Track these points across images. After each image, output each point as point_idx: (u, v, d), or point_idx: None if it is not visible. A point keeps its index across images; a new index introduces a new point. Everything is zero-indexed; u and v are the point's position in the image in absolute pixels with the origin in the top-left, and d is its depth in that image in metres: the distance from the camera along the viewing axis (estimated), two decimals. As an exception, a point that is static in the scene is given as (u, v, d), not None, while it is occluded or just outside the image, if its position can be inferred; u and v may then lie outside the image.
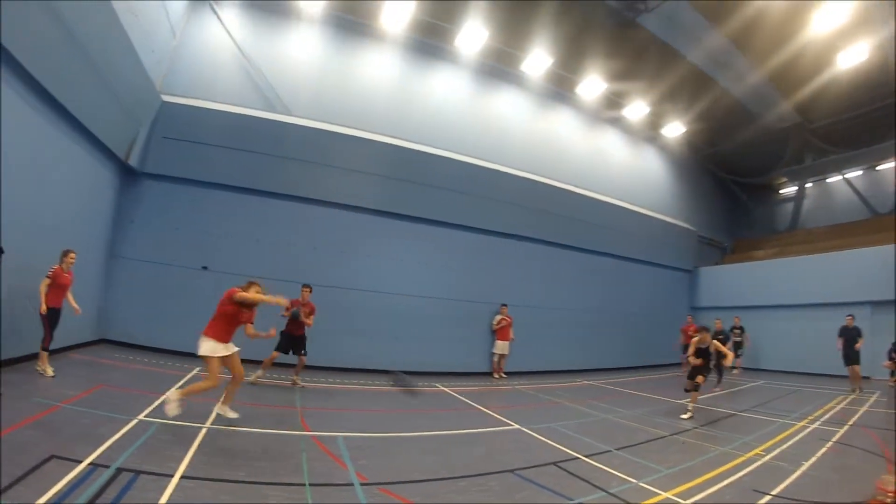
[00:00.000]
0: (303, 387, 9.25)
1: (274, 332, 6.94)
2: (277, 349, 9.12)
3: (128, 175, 11.35)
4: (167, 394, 5.38)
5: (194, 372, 9.15)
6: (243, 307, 5.94)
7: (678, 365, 16.59)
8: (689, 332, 15.26)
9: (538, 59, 14.65)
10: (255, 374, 8.86)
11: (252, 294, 5.92)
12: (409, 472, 5.04)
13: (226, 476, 4.45)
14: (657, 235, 17.60)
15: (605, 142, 17.71)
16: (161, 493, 3.83)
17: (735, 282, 17.94)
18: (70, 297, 7.53)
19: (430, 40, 14.49)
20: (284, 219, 12.17)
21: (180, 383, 7.94)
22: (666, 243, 17.89)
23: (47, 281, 7.13)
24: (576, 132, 16.96)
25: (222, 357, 5.92)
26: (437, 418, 7.97)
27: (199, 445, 5.17)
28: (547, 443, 6.54)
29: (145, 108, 11.09)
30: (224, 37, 12.80)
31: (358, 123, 12.98)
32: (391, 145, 12.99)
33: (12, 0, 6.18)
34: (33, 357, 7.48)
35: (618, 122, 17.83)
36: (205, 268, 11.37)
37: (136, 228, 11.28)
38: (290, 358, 9.34)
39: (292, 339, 9.21)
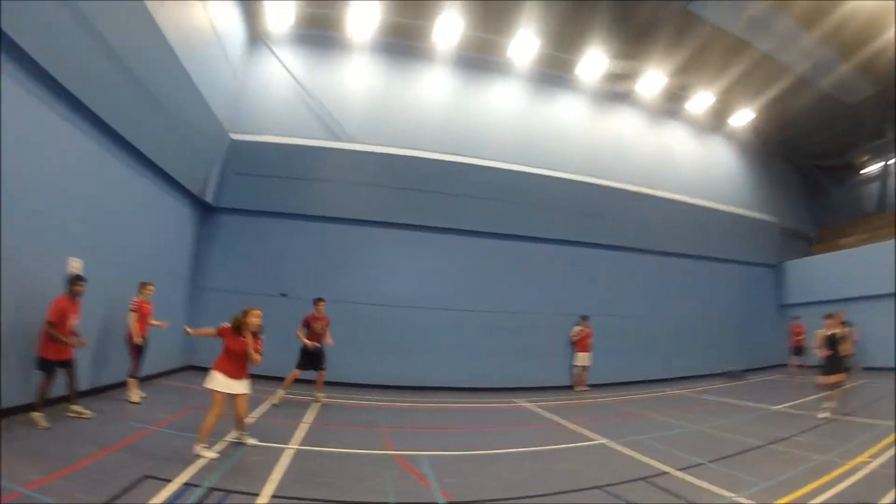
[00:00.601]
0: (325, 403, 9.00)
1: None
2: (298, 367, 8.95)
3: (205, 211, 11.95)
4: (195, 450, 5.31)
5: (277, 395, 9.23)
6: (232, 336, 5.68)
7: (768, 369, 15.38)
8: (798, 333, 14.21)
9: (594, 61, 14.22)
10: (278, 395, 8.67)
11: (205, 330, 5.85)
12: (494, 490, 4.79)
13: (312, 495, 4.38)
14: (735, 231, 16.30)
15: (671, 138, 16.77)
16: (252, 512, 3.74)
17: (826, 273, 16.31)
18: (152, 320, 7.85)
19: (481, 54, 14.42)
20: (356, 242, 12.34)
21: (258, 412, 7.99)
22: (745, 238, 16.52)
23: (135, 315, 7.45)
24: (638, 130, 16.20)
25: (225, 393, 5.54)
26: (518, 434, 7.62)
27: (286, 466, 5.13)
28: (634, 457, 6.08)
29: (216, 148, 11.66)
30: (282, 73, 13.32)
31: (418, 143, 13.04)
32: (450, 162, 12.90)
33: (96, 63, 6.73)
34: (120, 385, 7.81)
35: (681, 116, 16.93)
36: (284, 294, 11.60)
37: (215, 260, 11.80)
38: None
39: (311, 354, 9.04)
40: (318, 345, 8.76)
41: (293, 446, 5.94)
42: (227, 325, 5.72)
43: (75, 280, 6.17)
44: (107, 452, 4.91)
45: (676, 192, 15.34)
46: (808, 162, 20.03)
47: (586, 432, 7.55)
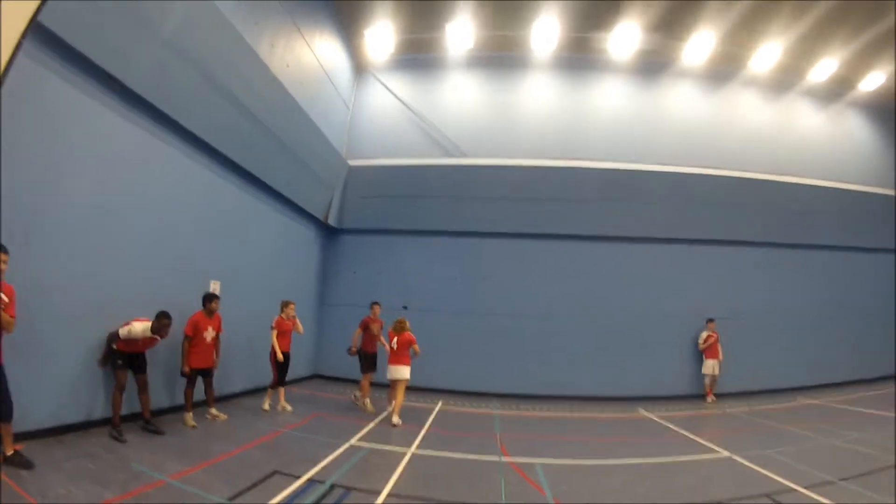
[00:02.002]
0: (372, 411, 8.65)
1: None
2: (365, 371, 9.01)
3: (329, 232, 12.97)
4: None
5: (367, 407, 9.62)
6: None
7: None
8: None
9: (700, 42, 13.02)
10: (366, 403, 8.83)
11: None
12: (609, 501, 4.62)
13: (427, 495, 4.54)
14: (873, 213, 13.62)
15: (793, 114, 14.50)
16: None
17: None
18: (297, 323, 8.49)
19: (582, 54, 13.95)
20: (473, 254, 12.61)
21: (379, 418, 8.35)
22: (885, 220, 13.68)
23: (275, 332, 8.16)
24: (756, 112, 14.33)
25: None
26: (639, 446, 7.15)
27: (404, 468, 5.33)
28: (760, 472, 5.47)
29: (335, 175, 12.63)
30: (390, 98, 14.03)
31: (527, 153, 12.93)
32: (562, 168, 12.61)
33: (227, 116, 7.75)
34: (255, 392, 8.64)
35: (804, 89, 14.58)
36: (405, 307, 12.11)
37: (340, 277, 12.73)
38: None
39: (372, 356, 9.07)
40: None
41: (411, 449, 6.13)
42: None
43: (209, 298, 6.97)
44: (241, 450, 5.47)
45: (802, 174, 13.41)
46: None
47: (711, 444, 6.92)
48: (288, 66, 9.75)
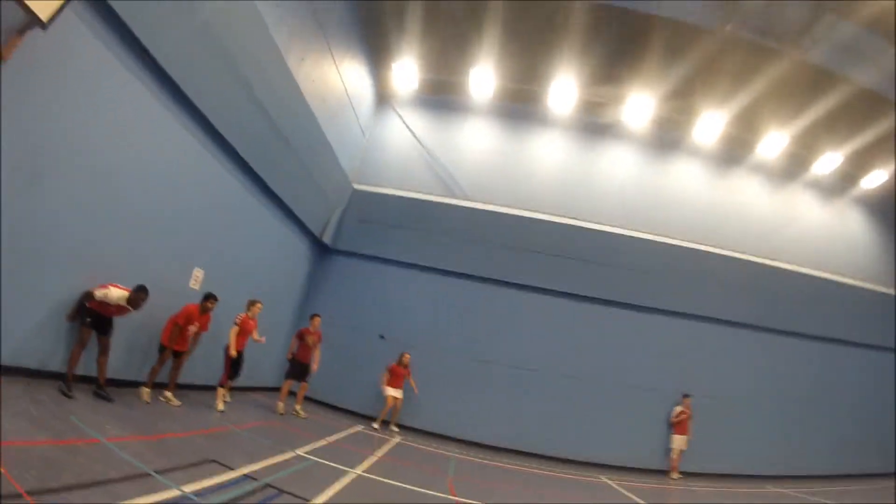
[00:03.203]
0: (306, 417, 9.05)
1: None
2: (288, 377, 9.18)
3: (321, 250, 13.03)
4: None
5: (356, 429, 9.46)
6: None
7: None
8: None
9: (711, 122, 13.50)
10: (279, 406, 8.89)
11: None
12: None
13: None
14: (864, 309, 13.62)
15: (795, 203, 14.80)
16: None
17: None
18: (255, 334, 8.30)
19: (597, 118, 14.44)
20: (458, 295, 12.63)
21: (338, 436, 8.21)
22: (876, 318, 13.56)
23: (236, 329, 8.02)
24: (759, 196, 14.74)
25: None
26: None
27: (344, 486, 5.18)
28: None
29: (339, 195, 12.87)
30: (405, 132, 14.47)
31: (530, 204, 13.25)
32: (561, 224, 12.93)
33: (243, 108, 8.03)
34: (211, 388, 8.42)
35: (808, 179, 14.97)
36: (382, 337, 12.10)
37: (324, 295, 12.68)
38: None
39: (301, 365, 9.16)
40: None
41: (357, 470, 5.99)
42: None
43: (210, 297, 7.10)
44: (185, 434, 5.37)
45: (798, 262, 13.60)
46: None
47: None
48: (314, 81, 10.12)
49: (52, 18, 4.28)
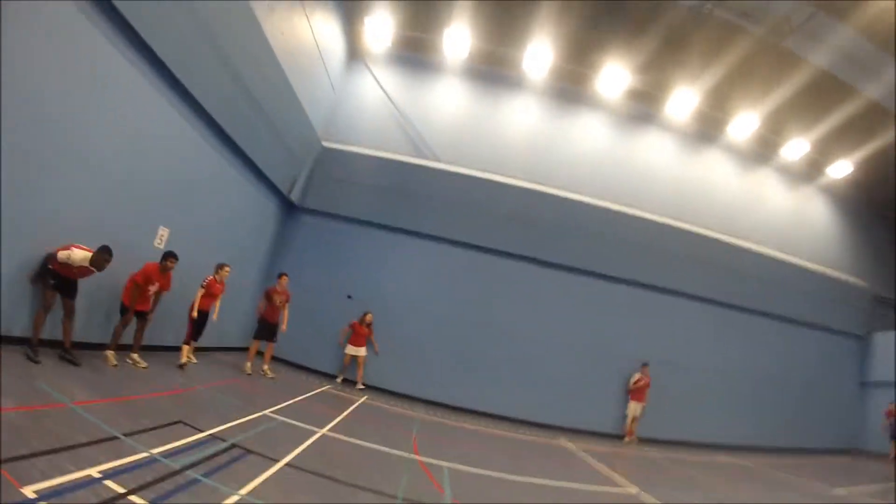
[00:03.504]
0: (273, 377, 9.18)
1: None
2: (256, 337, 9.26)
3: (289, 208, 12.86)
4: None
5: (324, 388, 9.64)
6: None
7: (843, 452, 13.81)
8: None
9: (683, 99, 13.74)
10: (246, 366, 8.97)
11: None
12: None
13: (325, 472, 4.54)
14: (822, 293, 14.62)
15: (762, 186, 15.46)
16: (264, 472, 4.01)
17: None
18: (216, 305, 8.36)
19: (570, 86, 14.46)
20: (428, 257, 12.74)
21: (304, 396, 8.36)
22: (831, 302, 14.73)
23: (202, 291, 8.02)
24: (729, 175, 15.21)
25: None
26: (550, 470, 7.37)
27: (310, 444, 5.36)
28: None
29: (307, 153, 12.58)
30: (377, 90, 14.18)
31: (500, 169, 13.30)
32: (530, 190, 13.04)
33: (209, 65, 7.67)
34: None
35: (775, 163, 15.58)
36: (349, 297, 12.17)
37: (291, 255, 12.58)
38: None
39: (269, 325, 9.26)
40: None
41: (323, 430, 6.16)
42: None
43: (169, 256, 6.91)
44: (152, 395, 5.41)
45: (762, 243, 14.26)
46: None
47: (621, 479, 7.21)
48: (283, 33, 9.73)
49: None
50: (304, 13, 10.57)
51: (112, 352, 6.37)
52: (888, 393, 13.29)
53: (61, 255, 5.37)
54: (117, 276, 6.52)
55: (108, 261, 5.74)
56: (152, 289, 6.77)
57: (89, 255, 5.54)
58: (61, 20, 5.22)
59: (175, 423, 4.60)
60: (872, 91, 12.21)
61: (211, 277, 8.09)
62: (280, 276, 9.59)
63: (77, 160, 5.84)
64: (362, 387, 11.01)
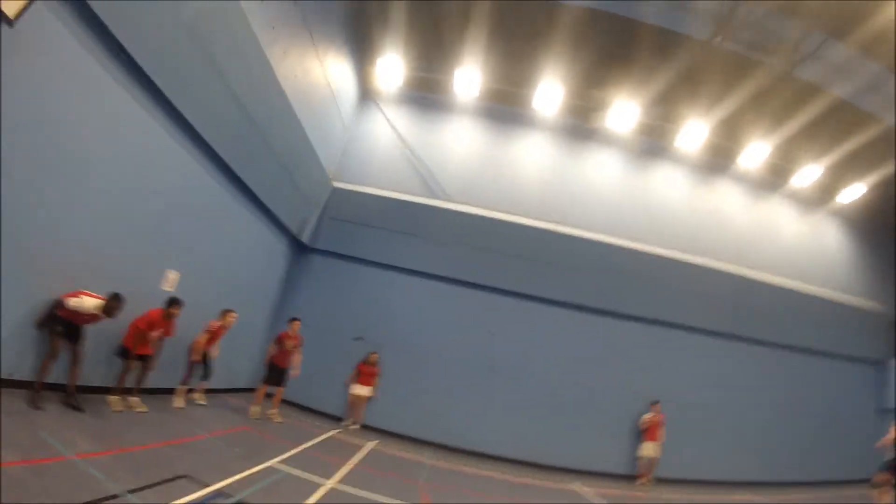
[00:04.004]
0: (280, 422, 8.94)
1: None
2: (265, 382, 9.02)
3: (299, 249, 12.82)
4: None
5: (331, 433, 9.39)
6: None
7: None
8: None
9: (694, 131, 13.70)
10: (252, 411, 8.70)
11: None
12: None
13: None
14: (836, 320, 14.17)
15: (774, 214, 15.25)
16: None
17: None
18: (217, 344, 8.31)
19: (581, 122, 14.47)
20: (439, 297, 12.62)
21: (312, 442, 8.14)
22: (848, 329, 14.25)
23: (206, 336, 7.99)
24: (740, 206, 15.01)
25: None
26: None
27: (317, 499, 5.13)
28: None
29: (318, 193, 12.66)
30: (388, 130, 14.32)
31: (511, 208, 13.30)
32: (541, 229, 13.00)
33: (220, 103, 7.76)
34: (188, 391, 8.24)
35: (787, 191, 15.37)
36: (359, 338, 11.97)
37: (302, 296, 12.49)
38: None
39: (279, 370, 9.04)
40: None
41: (330, 482, 5.94)
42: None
43: (174, 303, 6.82)
44: (157, 446, 5.23)
45: (774, 273, 13.99)
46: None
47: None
48: (296, 76, 9.93)
49: (19, 15, 4.17)
50: (316, 56, 10.79)
51: (116, 397, 6.23)
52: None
53: (72, 302, 5.29)
54: (122, 321, 6.41)
55: (120, 308, 5.67)
56: (154, 335, 6.64)
57: (101, 303, 5.47)
58: (68, 56, 5.22)
59: (180, 477, 4.42)
60: (882, 113, 12.19)
61: (217, 323, 8.05)
62: (292, 320, 9.37)
63: (84, 200, 5.80)
64: (358, 428, 10.76)
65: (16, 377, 5.21)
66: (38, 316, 5.29)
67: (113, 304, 5.56)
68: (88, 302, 5.35)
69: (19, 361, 5.24)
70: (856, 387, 14.22)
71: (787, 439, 12.87)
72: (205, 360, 8.11)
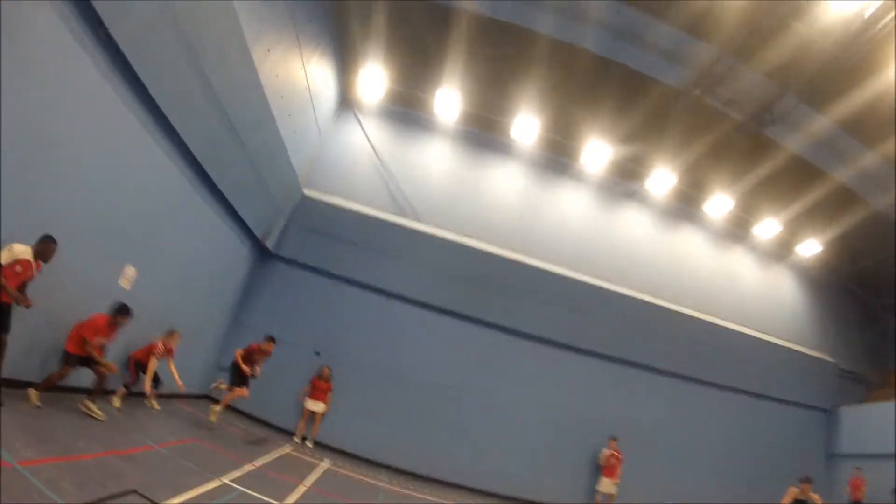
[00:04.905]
0: (214, 421, 8.46)
1: None
2: (232, 384, 8.65)
3: (263, 255, 12.27)
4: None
5: (284, 450, 8.89)
6: None
7: None
8: (856, 487, 12.18)
9: (663, 176, 14.12)
10: (213, 410, 8.37)
11: None
12: None
13: None
14: (790, 368, 14.75)
15: (735, 263, 15.86)
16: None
17: (882, 423, 14.33)
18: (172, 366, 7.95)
19: (556, 156, 14.68)
20: (399, 318, 12.31)
21: (267, 459, 7.66)
22: (800, 377, 14.87)
23: (154, 360, 7.52)
24: (703, 252, 15.52)
25: None
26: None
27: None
28: None
29: (287, 199, 12.17)
30: (364, 141, 14.00)
31: (479, 234, 13.23)
32: (508, 259, 12.95)
33: (195, 93, 7.35)
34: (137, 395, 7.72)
35: (748, 242, 16.05)
36: (317, 353, 11.55)
37: (261, 303, 11.98)
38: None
39: (243, 375, 8.64)
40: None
41: None
42: None
43: (122, 311, 6.28)
44: (104, 454, 4.73)
45: (733, 319, 14.45)
46: (879, 300, 18.25)
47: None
48: (277, 76, 9.57)
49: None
50: (300, 58, 10.46)
51: (37, 392, 5.44)
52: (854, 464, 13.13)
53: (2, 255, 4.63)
54: (67, 319, 5.88)
55: (53, 249, 5.06)
56: (98, 342, 6.06)
57: (30, 248, 4.85)
58: (48, 39, 4.86)
59: (129, 492, 3.95)
60: (841, 174, 12.85)
61: (160, 344, 7.61)
62: (269, 339, 8.91)
63: (44, 186, 5.33)
64: (311, 445, 10.28)
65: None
66: None
67: (45, 245, 4.98)
68: (17, 248, 4.73)
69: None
70: (806, 432, 14.71)
71: (740, 479, 13.09)
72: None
